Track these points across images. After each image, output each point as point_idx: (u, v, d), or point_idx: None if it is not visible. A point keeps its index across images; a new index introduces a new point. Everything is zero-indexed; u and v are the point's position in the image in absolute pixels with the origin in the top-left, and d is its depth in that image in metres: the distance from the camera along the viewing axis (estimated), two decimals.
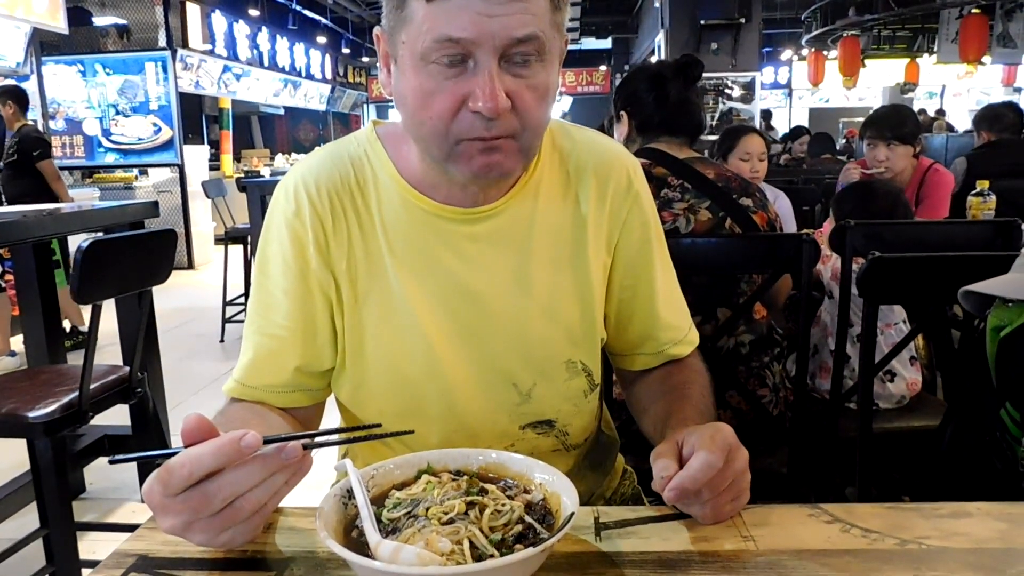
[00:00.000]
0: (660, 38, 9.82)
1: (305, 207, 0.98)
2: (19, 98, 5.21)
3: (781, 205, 3.61)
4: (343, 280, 0.99)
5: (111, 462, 0.74)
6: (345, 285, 0.99)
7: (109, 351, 4.97)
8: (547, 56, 0.85)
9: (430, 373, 0.99)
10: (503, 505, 0.74)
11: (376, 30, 0.91)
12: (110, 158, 8.85)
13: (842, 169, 3.55)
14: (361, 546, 0.70)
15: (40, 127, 5.83)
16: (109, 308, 2.75)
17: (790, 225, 3.61)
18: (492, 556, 0.67)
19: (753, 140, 3.42)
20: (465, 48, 0.81)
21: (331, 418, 1.11)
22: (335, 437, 0.83)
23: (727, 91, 9.47)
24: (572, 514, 0.70)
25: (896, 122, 3.16)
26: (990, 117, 4.24)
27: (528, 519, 0.73)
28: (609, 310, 1.10)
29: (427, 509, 0.74)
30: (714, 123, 9.35)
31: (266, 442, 0.69)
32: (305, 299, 0.99)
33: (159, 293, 2.62)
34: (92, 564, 0.73)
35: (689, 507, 0.80)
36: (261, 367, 1.00)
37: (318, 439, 0.75)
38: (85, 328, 5.11)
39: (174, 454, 0.68)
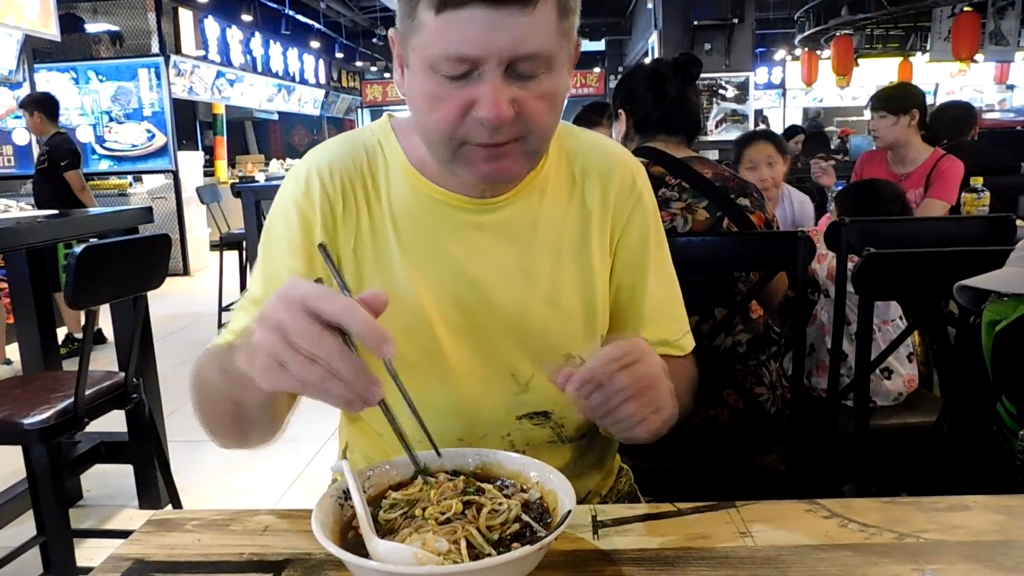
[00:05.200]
0: (653, 39, 9.82)
1: (316, 189, 0.99)
2: (45, 106, 5.17)
3: (805, 212, 3.54)
4: (348, 262, 1.00)
5: None
6: (350, 268, 1.00)
7: (105, 358, 4.96)
8: (555, 65, 0.87)
9: (430, 359, 1.00)
10: (500, 504, 0.74)
11: (390, 32, 0.93)
12: (104, 165, 8.81)
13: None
14: (358, 547, 0.69)
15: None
16: (105, 315, 2.75)
17: (807, 225, 3.62)
18: (489, 555, 0.67)
19: (755, 148, 3.25)
20: (471, 62, 0.83)
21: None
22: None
23: (721, 91, 9.47)
24: (569, 512, 0.70)
25: (885, 95, 3.31)
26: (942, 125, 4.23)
27: (525, 518, 0.73)
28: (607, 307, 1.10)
29: (424, 509, 0.74)
30: (711, 127, 9.35)
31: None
32: (309, 279, 0.98)
33: (155, 299, 2.61)
34: (89, 571, 0.72)
35: (611, 415, 0.78)
36: None
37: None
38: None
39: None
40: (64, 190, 5.09)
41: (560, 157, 1.06)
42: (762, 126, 11.58)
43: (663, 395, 0.81)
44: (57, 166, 5.07)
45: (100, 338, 5.33)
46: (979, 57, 9.14)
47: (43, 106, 5.14)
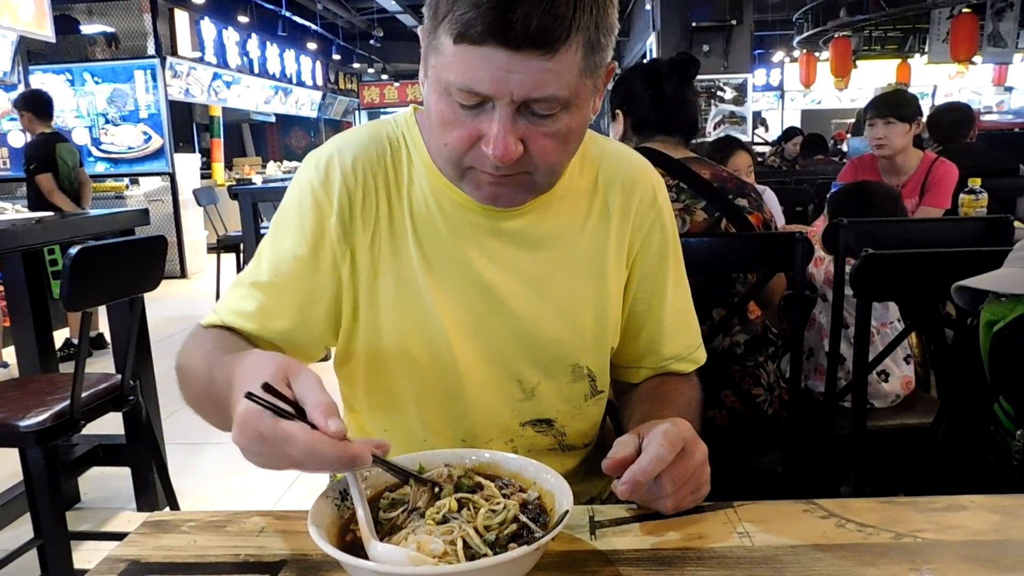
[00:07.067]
0: (651, 40, 9.82)
1: (335, 179, 0.98)
2: (33, 105, 5.10)
3: (768, 199, 3.66)
4: (364, 254, 0.99)
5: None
6: (364, 260, 0.99)
7: (102, 362, 4.94)
8: (575, 103, 0.85)
9: (439, 359, 1.00)
10: (497, 504, 0.74)
11: (419, 29, 0.91)
12: (100, 167, 8.78)
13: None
14: (354, 548, 0.69)
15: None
16: (105, 318, 2.74)
17: (778, 218, 3.65)
18: (486, 556, 0.67)
19: (740, 158, 3.54)
20: (484, 96, 0.82)
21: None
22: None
23: (719, 93, 9.48)
24: (566, 512, 0.70)
25: (894, 101, 3.28)
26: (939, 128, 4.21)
27: (523, 518, 0.73)
28: (620, 320, 1.10)
29: (422, 505, 0.74)
30: (710, 128, 9.35)
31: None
32: (313, 267, 0.98)
33: (152, 302, 2.60)
34: (86, 573, 0.72)
35: (651, 502, 0.81)
36: (251, 318, 0.97)
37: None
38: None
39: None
40: (40, 192, 5.04)
41: (583, 165, 1.05)
42: (760, 128, 11.60)
43: (703, 481, 0.83)
44: (28, 168, 5.03)
45: (101, 343, 5.30)
46: (977, 59, 9.17)
47: (31, 105, 5.10)
